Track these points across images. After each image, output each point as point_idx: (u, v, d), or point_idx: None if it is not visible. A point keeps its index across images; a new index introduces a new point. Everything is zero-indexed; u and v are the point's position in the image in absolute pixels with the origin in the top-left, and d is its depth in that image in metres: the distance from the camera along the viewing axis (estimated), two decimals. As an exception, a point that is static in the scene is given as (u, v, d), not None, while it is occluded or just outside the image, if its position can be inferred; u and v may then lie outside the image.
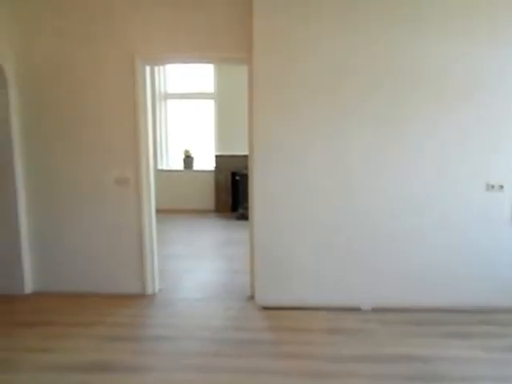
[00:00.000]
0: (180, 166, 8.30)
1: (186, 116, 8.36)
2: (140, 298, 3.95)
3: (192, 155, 8.24)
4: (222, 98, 7.88)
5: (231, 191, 7.96)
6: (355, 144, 3.52)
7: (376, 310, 3.63)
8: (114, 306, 3.79)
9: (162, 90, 8.18)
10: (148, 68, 3.91)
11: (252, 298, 3.87)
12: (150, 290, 4.03)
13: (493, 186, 3.52)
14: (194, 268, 4.86)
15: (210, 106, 8.12)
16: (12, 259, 4.01)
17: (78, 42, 3.78)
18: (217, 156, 7.97)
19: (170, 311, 3.69)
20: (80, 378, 2.73)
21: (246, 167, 4.05)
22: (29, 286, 4.08)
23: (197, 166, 8.28)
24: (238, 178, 7.64)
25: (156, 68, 7.91)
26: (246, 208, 5.30)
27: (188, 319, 3.53)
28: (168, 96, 8.24)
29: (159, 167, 8.21)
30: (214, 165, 7.98)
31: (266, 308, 3.69)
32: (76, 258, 4.04)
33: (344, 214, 3.62)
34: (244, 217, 6.87)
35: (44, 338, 3.23)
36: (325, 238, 3.64)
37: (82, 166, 3.93)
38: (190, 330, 3.33)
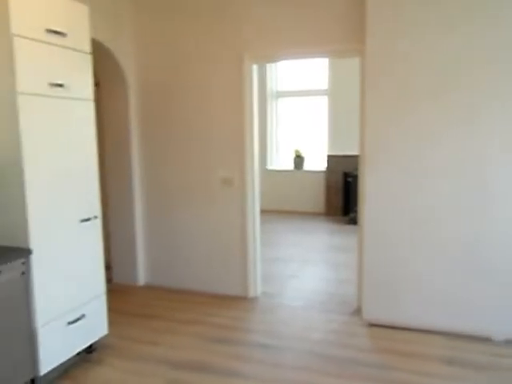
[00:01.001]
0: (290, 166, 8.18)
1: (297, 115, 8.21)
2: (242, 301, 3.89)
3: (302, 155, 8.07)
4: (335, 94, 7.56)
5: (342, 193, 7.61)
6: (490, 144, 3.00)
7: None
8: (217, 306, 3.78)
9: (274, 88, 8.14)
10: (257, 67, 3.83)
11: (358, 312, 3.56)
12: (252, 293, 3.95)
13: None
14: (298, 273, 4.68)
15: (323, 104, 7.86)
16: (129, 254, 4.25)
17: (190, 47, 3.85)
18: (329, 156, 7.69)
19: (271, 317, 3.56)
20: (176, 374, 2.74)
21: (358, 169, 3.75)
22: (141, 279, 4.28)
23: (307, 166, 8.09)
24: (350, 179, 7.27)
25: (268, 66, 7.90)
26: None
27: (288, 328, 3.36)
28: (279, 94, 8.18)
29: (268, 167, 8.20)
30: (326, 165, 7.71)
31: (373, 325, 3.35)
32: (183, 256, 4.13)
33: (476, 226, 3.06)
34: (355, 221, 6.48)
35: (150, 330, 3.33)
36: (448, 252, 3.14)
37: (191, 166, 4.00)
38: (289, 340, 3.15)
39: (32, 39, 2.37)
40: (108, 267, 4.34)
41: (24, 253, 2.37)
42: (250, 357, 2.95)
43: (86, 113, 2.81)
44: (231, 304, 3.82)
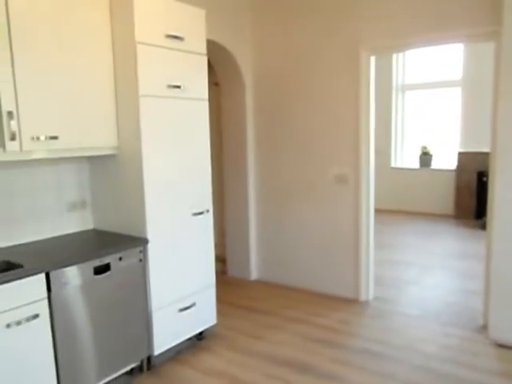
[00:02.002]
0: (416, 164, 7.65)
1: (425, 109, 7.63)
2: (352, 304, 3.75)
3: (430, 152, 7.48)
4: (471, 85, 6.86)
5: (476, 195, 6.87)
6: None
7: None
8: (325, 306, 3.70)
9: (400, 80, 7.67)
10: (376, 58, 3.62)
11: (484, 328, 3.17)
12: (363, 297, 3.78)
13: None
14: (416, 279, 4.35)
15: (455, 96, 7.18)
16: (243, 249, 4.39)
17: (305, 44, 3.81)
18: (460, 153, 7.01)
19: (382, 324, 3.36)
20: (276, 371, 2.74)
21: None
22: (254, 274, 4.40)
23: (435, 164, 7.48)
24: (484, 179, 6.53)
25: (394, 58, 7.47)
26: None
27: (399, 337, 3.14)
28: (406, 87, 7.69)
29: (392, 165, 7.78)
30: (456, 163, 7.04)
31: (501, 346, 2.95)
32: (294, 254, 4.13)
33: None
34: (489, 226, 5.83)
35: (257, 324, 3.40)
36: None
37: (304, 163, 3.97)
38: (399, 350, 2.95)
39: (152, 45, 2.56)
40: (223, 260, 4.56)
41: (141, 242, 2.59)
42: (354, 363, 2.82)
43: (201, 112, 2.95)
44: (340, 306, 3.71)
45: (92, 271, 2.34)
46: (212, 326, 3.17)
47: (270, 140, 4.16)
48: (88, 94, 2.50)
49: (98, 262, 2.36)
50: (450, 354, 2.89)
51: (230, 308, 3.69)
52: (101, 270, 2.38)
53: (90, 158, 2.85)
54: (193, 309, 2.95)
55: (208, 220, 3.04)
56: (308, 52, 3.81)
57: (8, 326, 1.98)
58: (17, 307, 2.01)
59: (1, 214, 2.48)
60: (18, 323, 2.01)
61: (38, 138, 2.25)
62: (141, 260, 2.60)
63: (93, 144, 2.55)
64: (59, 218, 2.76)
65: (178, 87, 2.74)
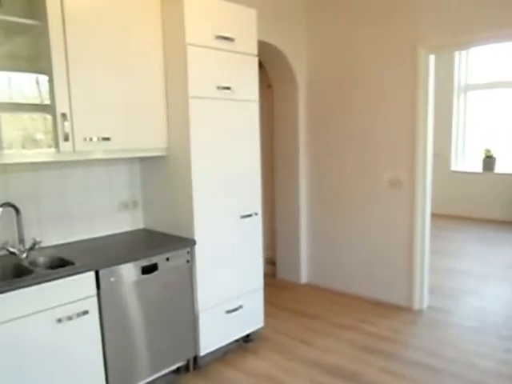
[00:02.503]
0: (478, 167, 7.23)
1: (490, 110, 7.19)
2: (404, 312, 3.58)
3: (494, 155, 7.05)
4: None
5: (545, 201, 6.40)
6: None
7: None
8: (376, 314, 3.56)
9: (462, 80, 7.29)
10: (435, 57, 3.44)
11: (551, 346, 2.93)
12: (416, 305, 3.61)
13: None
14: (474, 289, 4.09)
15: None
16: (293, 253, 4.34)
17: (359, 44, 3.70)
18: (527, 156, 6.56)
19: (435, 335, 3.18)
20: (323, 379, 2.67)
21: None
22: (303, 277, 4.33)
23: (499, 168, 7.04)
24: (555, 184, 6.07)
25: (456, 56, 7.10)
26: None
27: (454, 349, 2.96)
28: (469, 87, 7.29)
29: (453, 168, 7.41)
30: (523, 167, 6.59)
31: None
32: (345, 258, 4.02)
33: None
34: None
35: (305, 329, 3.34)
36: None
37: (357, 166, 3.85)
38: (453, 364, 2.77)
39: (202, 46, 2.57)
40: (273, 263, 4.52)
41: (189, 243, 2.61)
42: (404, 374, 2.69)
43: (251, 113, 2.93)
44: (391, 314, 3.56)
45: (140, 270, 2.38)
46: (259, 329, 3.15)
47: (323, 142, 4.08)
48: (140, 97, 2.55)
49: (145, 262, 2.40)
50: (510, 370, 2.69)
51: (279, 311, 3.65)
52: (149, 269, 2.42)
53: (142, 159, 2.92)
54: (240, 311, 2.93)
55: (256, 223, 3.02)
56: (363, 52, 3.70)
57: (59, 320, 2.05)
58: (68, 303, 2.08)
59: (56, 213, 2.59)
60: (69, 318, 2.08)
61: (90, 139, 2.33)
62: (188, 261, 2.62)
63: (143, 145, 2.60)
64: (111, 218, 2.85)
65: (228, 88, 2.74)
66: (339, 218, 4.03)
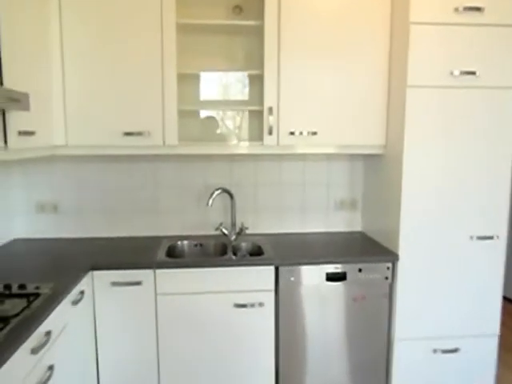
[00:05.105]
0: None
1: None
2: None
3: None
4: None
5: None
6: None
7: None
8: None
9: None
10: None
11: None
12: None
13: None
14: None
15: None
16: None
17: None
18: None
19: None
20: None
21: None
22: None
23: None
24: None
25: None
26: None
27: None
28: None
29: None
30: None
31: None
32: None
33: None
34: None
35: None
36: None
37: None
38: None
39: (433, 24, 2.08)
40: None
41: (391, 257, 2.23)
42: None
43: (504, 105, 2.20)
44: None
45: (324, 276, 2.21)
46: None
47: None
48: (355, 89, 2.32)
49: (332, 269, 2.21)
50: None
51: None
52: (335, 277, 2.21)
53: (365, 157, 2.67)
54: (455, 355, 2.32)
55: (497, 249, 2.28)
56: None
57: (236, 305, 2.14)
58: (247, 291, 2.15)
59: (270, 203, 2.69)
60: (245, 306, 2.15)
61: (298, 133, 2.30)
62: (387, 278, 2.25)
63: (354, 141, 2.37)
64: (326, 215, 2.74)
65: (472, 73, 2.13)
66: None
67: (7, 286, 1.65)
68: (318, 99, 2.31)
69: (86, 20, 2.15)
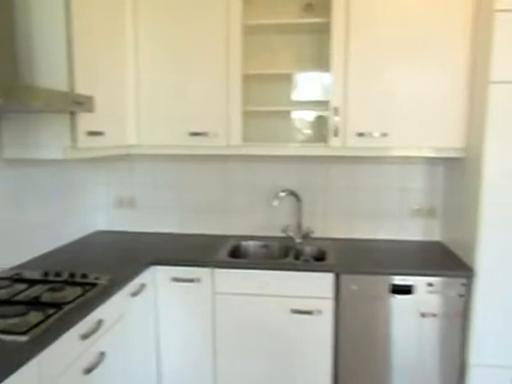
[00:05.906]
0: None
1: None
2: None
3: None
4: None
5: None
6: None
7: None
8: None
9: None
10: None
11: None
12: None
13: None
14: None
15: None
16: None
17: None
18: None
19: None
20: None
21: None
22: None
23: None
24: None
25: None
26: None
27: None
28: None
29: None
30: None
31: None
32: None
33: None
34: None
35: None
36: None
37: None
38: None
39: (524, 10, 1.83)
40: None
41: (466, 273, 2.00)
42: None
43: None
44: None
45: (389, 288, 2.05)
46: None
47: None
48: (431, 87, 2.13)
49: (398, 281, 2.05)
50: None
51: None
52: (401, 290, 2.05)
53: (446, 161, 2.43)
54: (543, 390, 2.01)
55: None
56: None
57: (293, 310, 2.09)
58: (304, 297, 2.08)
59: (341, 207, 2.58)
60: (302, 312, 2.08)
61: (369, 134, 2.18)
62: (461, 295, 2.02)
63: (428, 143, 2.17)
64: (399, 222, 2.55)
65: None
66: None
67: (72, 275, 1.80)
68: (389, 98, 2.16)
69: (159, 23, 2.26)
